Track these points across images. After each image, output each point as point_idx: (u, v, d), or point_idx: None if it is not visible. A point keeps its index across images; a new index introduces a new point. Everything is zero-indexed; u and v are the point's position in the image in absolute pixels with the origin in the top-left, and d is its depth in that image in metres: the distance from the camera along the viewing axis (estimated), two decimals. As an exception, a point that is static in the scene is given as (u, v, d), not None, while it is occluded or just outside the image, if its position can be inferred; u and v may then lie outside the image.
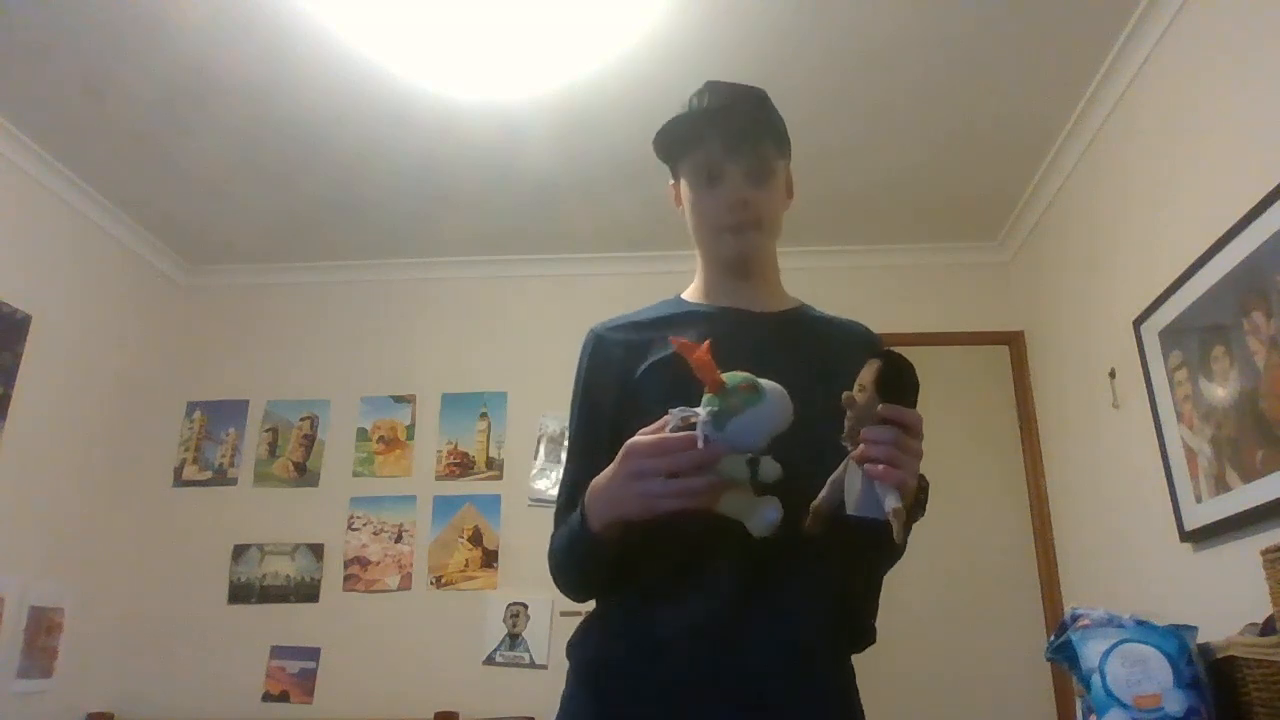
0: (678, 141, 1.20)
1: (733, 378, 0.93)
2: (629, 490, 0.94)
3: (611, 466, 0.98)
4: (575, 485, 1.12)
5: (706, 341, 0.93)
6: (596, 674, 1.08)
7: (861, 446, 0.91)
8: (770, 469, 0.94)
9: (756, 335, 1.16)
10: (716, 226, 1.18)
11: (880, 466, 0.89)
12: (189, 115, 2.77)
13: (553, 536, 1.14)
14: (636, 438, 0.96)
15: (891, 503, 0.89)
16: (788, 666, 1.02)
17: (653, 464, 0.92)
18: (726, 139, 1.16)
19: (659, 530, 0.99)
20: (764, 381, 0.94)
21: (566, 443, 1.25)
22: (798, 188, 1.29)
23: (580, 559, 1.07)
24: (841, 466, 0.95)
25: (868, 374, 0.93)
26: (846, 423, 0.94)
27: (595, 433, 1.15)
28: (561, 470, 1.24)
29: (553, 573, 1.14)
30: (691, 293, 1.26)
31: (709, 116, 1.17)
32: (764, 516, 0.92)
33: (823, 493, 0.96)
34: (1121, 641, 1.75)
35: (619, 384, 1.15)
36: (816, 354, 1.16)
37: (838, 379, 0.99)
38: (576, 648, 1.12)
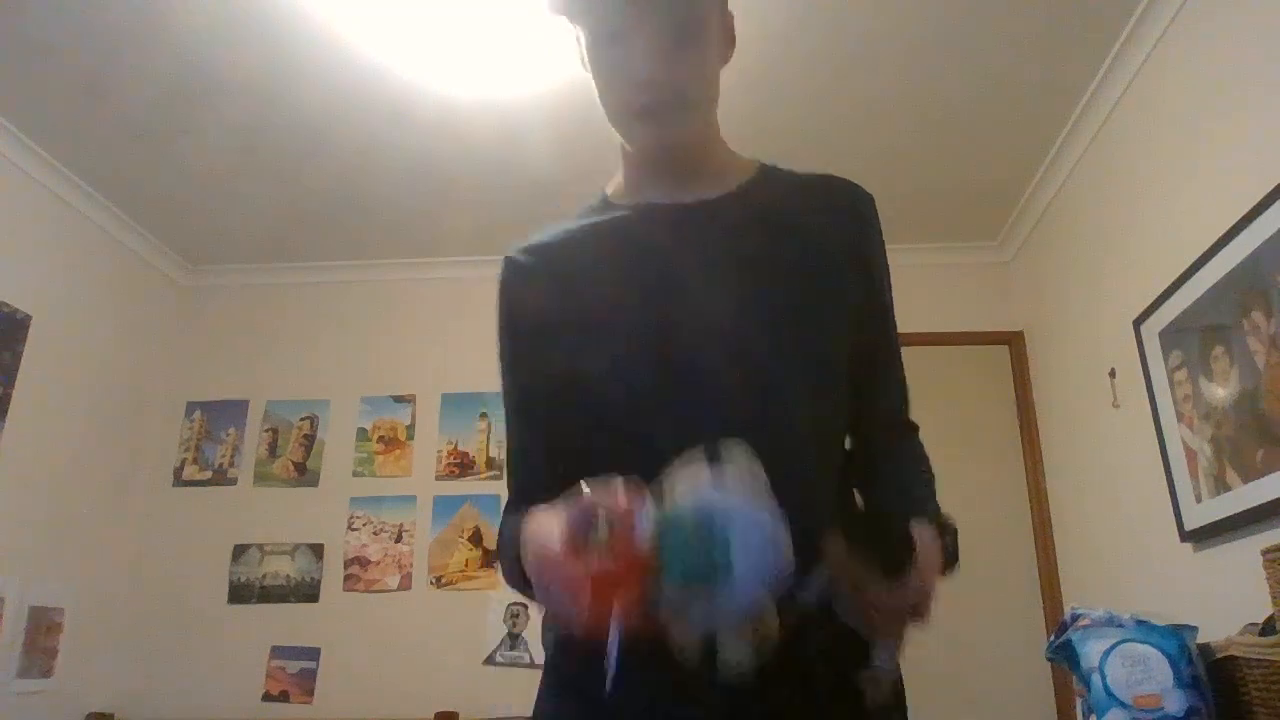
0: None
1: (672, 561, 0.63)
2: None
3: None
4: (522, 453, 0.99)
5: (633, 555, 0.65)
6: (575, 670, 0.92)
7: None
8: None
9: (692, 238, 0.92)
10: (625, 110, 0.91)
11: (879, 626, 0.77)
12: (189, 115, 2.77)
13: (501, 528, 0.94)
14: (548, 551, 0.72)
15: (879, 659, 0.80)
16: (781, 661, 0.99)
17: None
18: None
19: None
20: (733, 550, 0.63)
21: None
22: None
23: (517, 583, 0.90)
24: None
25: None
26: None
27: (528, 389, 0.98)
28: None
29: (503, 572, 0.95)
30: (615, 187, 1.03)
31: None
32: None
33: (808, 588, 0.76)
34: (1121, 641, 1.75)
35: (545, 326, 0.94)
36: (781, 237, 0.92)
37: (814, 260, 0.87)
38: (551, 645, 0.97)
